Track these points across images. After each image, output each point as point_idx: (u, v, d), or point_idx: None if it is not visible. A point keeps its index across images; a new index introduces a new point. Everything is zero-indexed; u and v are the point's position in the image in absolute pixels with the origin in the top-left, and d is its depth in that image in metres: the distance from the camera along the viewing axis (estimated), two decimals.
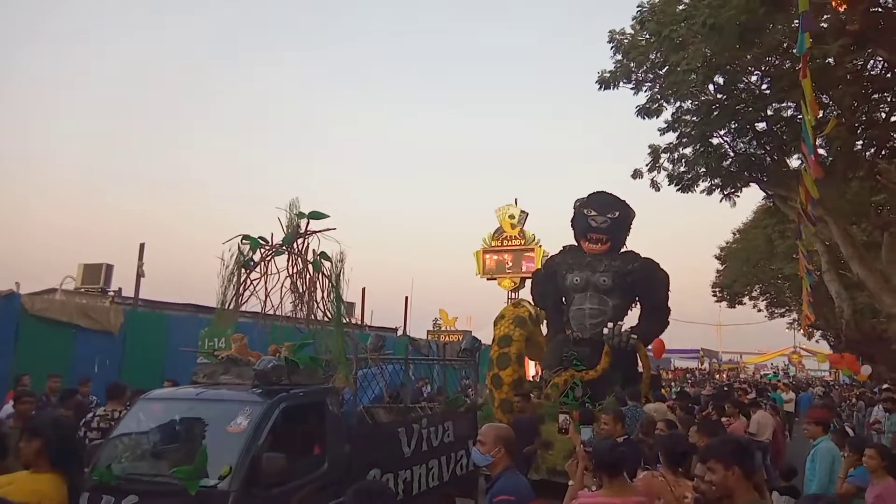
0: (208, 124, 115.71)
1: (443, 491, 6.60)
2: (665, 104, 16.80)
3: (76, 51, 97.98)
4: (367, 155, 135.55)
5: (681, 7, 14.64)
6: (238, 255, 5.75)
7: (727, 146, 17.70)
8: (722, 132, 17.25)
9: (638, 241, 14.92)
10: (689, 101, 16.60)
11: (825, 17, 13.00)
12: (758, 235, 29.66)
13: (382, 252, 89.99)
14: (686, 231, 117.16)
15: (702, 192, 18.70)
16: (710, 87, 16.26)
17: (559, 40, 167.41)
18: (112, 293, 16.24)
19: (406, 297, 24.81)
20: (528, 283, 16.22)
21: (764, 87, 16.09)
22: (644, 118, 16.99)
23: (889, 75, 14.62)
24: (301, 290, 5.82)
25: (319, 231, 5.74)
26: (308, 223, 5.76)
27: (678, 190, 18.41)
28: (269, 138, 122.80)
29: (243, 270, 5.84)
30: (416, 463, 6.06)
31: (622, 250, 13.67)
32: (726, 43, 13.34)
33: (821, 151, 13.59)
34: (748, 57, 14.82)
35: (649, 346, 13.19)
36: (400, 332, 23.10)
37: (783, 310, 37.29)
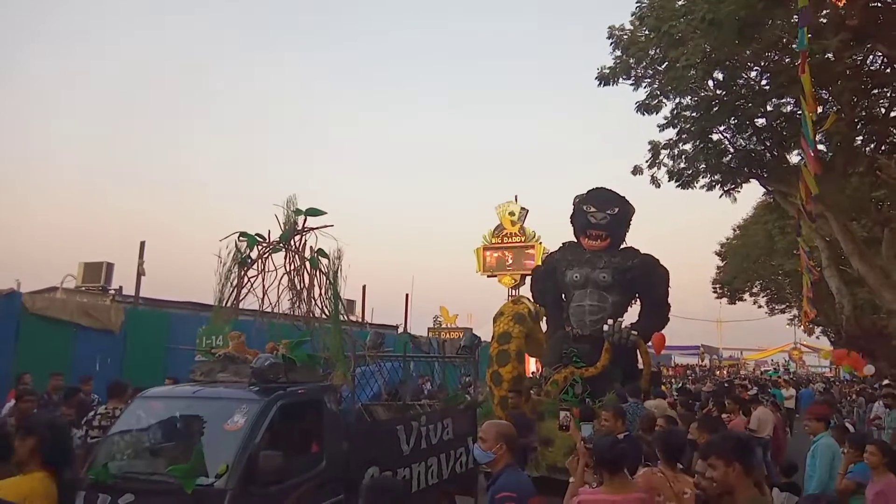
0: (208, 124, 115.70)
1: (442, 489, 6.57)
2: (664, 100, 16.81)
3: (76, 51, 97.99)
4: (367, 154, 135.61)
5: (680, 3, 14.64)
6: (235, 252, 5.72)
7: (727, 142, 17.70)
8: (722, 128, 17.24)
9: (638, 238, 14.95)
10: (689, 97, 16.60)
11: (824, 12, 12.99)
12: (758, 231, 29.66)
13: (383, 250, 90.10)
14: (686, 227, 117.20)
15: (702, 188, 18.71)
16: (710, 82, 16.25)
17: (559, 38, 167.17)
18: (113, 291, 16.25)
19: (406, 295, 24.83)
20: (529, 279, 16.21)
21: (763, 82, 16.08)
22: (644, 114, 16.99)
23: (889, 70, 14.60)
24: (298, 288, 5.78)
25: (317, 228, 5.71)
26: (305, 220, 5.73)
27: (678, 186, 18.42)
28: (269, 138, 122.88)
29: (241, 268, 5.81)
30: (416, 461, 6.02)
31: (622, 247, 13.64)
32: (725, 38, 13.33)
33: (820, 147, 13.59)
34: (747, 52, 14.80)
35: (649, 342, 13.17)
36: (401, 330, 23.11)
37: (784, 306, 37.32)
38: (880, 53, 14.21)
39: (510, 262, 29.22)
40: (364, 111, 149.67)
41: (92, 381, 8.99)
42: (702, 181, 18.49)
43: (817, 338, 38.38)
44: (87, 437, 5.99)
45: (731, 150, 17.75)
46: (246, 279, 5.89)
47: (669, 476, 4.02)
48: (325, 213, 5.70)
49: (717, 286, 37.21)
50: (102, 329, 11.72)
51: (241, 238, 5.74)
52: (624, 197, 13.81)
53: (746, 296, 36.74)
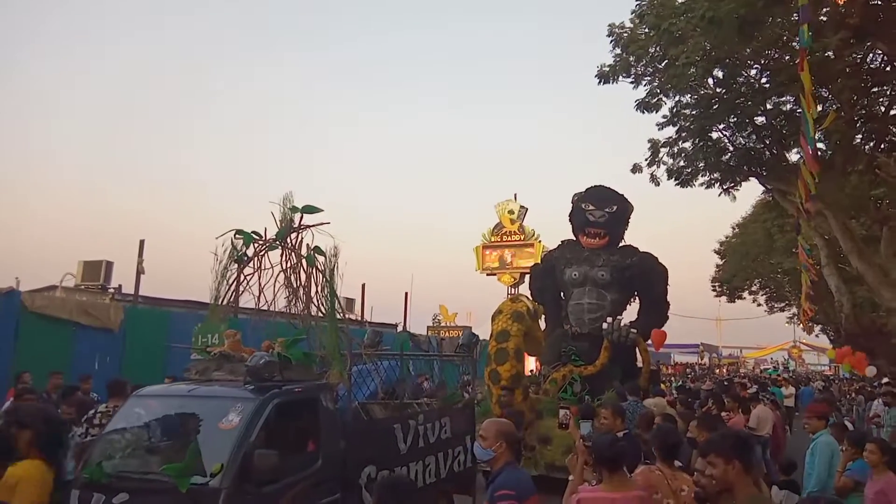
0: (208, 124, 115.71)
1: (440, 488, 6.54)
2: (664, 98, 16.80)
3: (77, 51, 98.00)
4: (367, 154, 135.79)
5: (680, 1, 14.60)
6: (231, 250, 5.68)
7: (726, 140, 17.69)
8: (721, 126, 17.24)
9: (637, 236, 14.94)
10: (689, 95, 16.59)
11: (824, 10, 12.97)
12: (757, 230, 29.67)
13: (382, 249, 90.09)
14: (685, 226, 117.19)
15: (701, 186, 18.71)
16: (710, 80, 16.24)
17: (558, 37, 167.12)
18: (112, 290, 16.24)
19: (406, 293, 24.83)
20: (528, 278, 16.21)
21: (763, 80, 16.06)
22: (643, 112, 16.98)
23: (888, 68, 14.60)
24: (295, 285, 5.75)
25: (313, 225, 5.67)
26: (301, 217, 5.69)
27: (677, 184, 18.42)
28: (270, 138, 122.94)
29: (237, 266, 5.77)
30: (413, 459, 5.98)
31: (620, 245, 13.64)
32: (725, 36, 13.31)
33: (820, 145, 13.58)
34: (747, 50, 14.79)
35: (648, 340, 13.17)
36: (400, 328, 23.11)
37: (783, 304, 37.33)
38: (880, 51, 14.21)
39: (509, 260, 29.22)
40: (364, 111, 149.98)
41: (91, 379, 8.99)
42: (701, 179, 18.49)
43: (816, 336, 38.45)
44: (87, 434, 5.98)
45: (731, 148, 17.74)
46: (242, 277, 5.85)
47: (667, 474, 4.02)
48: (322, 210, 5.66)
49: (717, 284, 37.22)
50: (102, 328, 11.72)
51: (237, 236, 5.69)
52: (622, 195, 13.80)
53: (746, 294, 36.76)
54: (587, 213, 13.31)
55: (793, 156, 17.31)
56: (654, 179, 18.58)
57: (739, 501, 2.81)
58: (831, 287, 20.32)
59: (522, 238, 28.97)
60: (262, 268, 5.85)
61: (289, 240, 5.76)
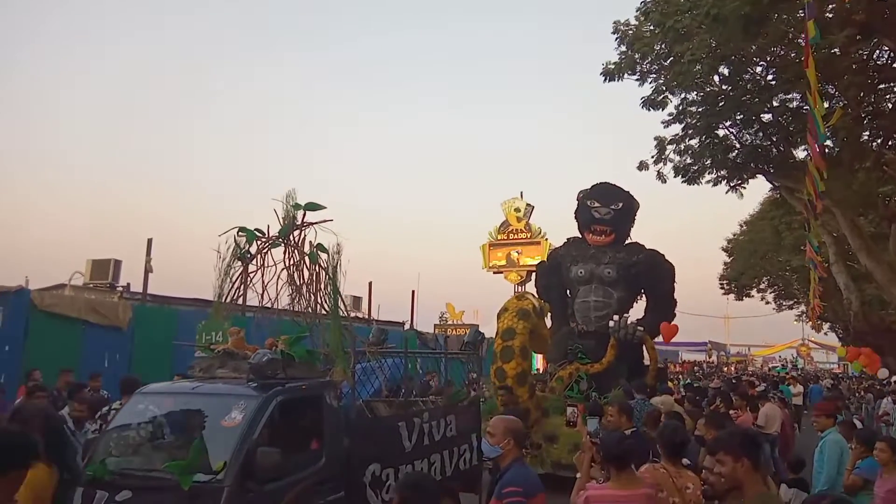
0: (212, 123, 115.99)
1: (446, 486, 6.52)
2: (670, 96, 16.73)
3: (84, 52, 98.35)
4: (371, 154, 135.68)
5: None
6: (234, 247, 5.66)
7: (733, 137, 17.64)
8: (728, 123, 17.18)
9: (644, 233, 14.91)
10: (695, 93, 16.55)
11: (830, 6, 12.92)
12: (765, 227, 29.55)
13: (389, 248, 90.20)
14: (693, 223, 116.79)
15: (708, 183, 18.65)
16: (716, 77, 16.19)
17: (560, 36, 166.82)
18: (120, 288, 16.34)
19: (413, 291, 24.87)
20: (534, 276, 16.19)
21: (770, 77, 16.00)
22: (649, 110, 16.93)
23: (895, 65, 14.51)
24: (298, 283, 5.71)
25: (316, 223, 5.64)
26: (304, 215, 5.65)
27: (684, 182, 18.36)
28: (274, 137, 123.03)
29: (240, 263, 5.75)
30: (418, 458, 5.91)
31: (627, 242, 13.60)
32: (731, 34, 13.26)
33: (827, 142, 13.52)
34: (753, 47, 14.74)
35: (656, 338, 13.14)
36: (407, 326, 23.14)
37: (791, 302, 37.18)
38: (887, 48, 14.14)
39: (516, 258, 29.19)
40: (365, 111, 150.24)
41: (100, 377, 9.03)
42: (708, 177, 18.44)
43: (825, 334, 38.30)
44: (100, 431, 6.02)
45: (738, 145, 17.69)
46: (245, 274, 5.84)
47: (672, 472, 4.02)
48: (325, 207, 5.62)
49: (725, 282, 37.09)
50: (110, 326, 11.78)
51: (240, 233, 5.67)
52: (628, 192, 13.75)
53: (754, 292, 36.62)
54: (593, 211, 13.27)
55: (800, 153, 17.26)
56: (661, 177, 18.55)
57: (748, 499, 2.81)
58: (840, 284, 20.25)
59: (529, 236, 28.91)
60: (266, 265, 5.82)
61: (292, 237, 5.73)
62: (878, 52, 14.63)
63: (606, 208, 13.20)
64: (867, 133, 16.09)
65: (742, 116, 16.77)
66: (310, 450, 4.99)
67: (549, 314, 12.49)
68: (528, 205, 29.19)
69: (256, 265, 5.84)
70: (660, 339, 13.49)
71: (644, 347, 12.39)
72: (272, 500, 4.26)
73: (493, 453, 3.78)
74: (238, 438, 4.24)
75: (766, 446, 8.95)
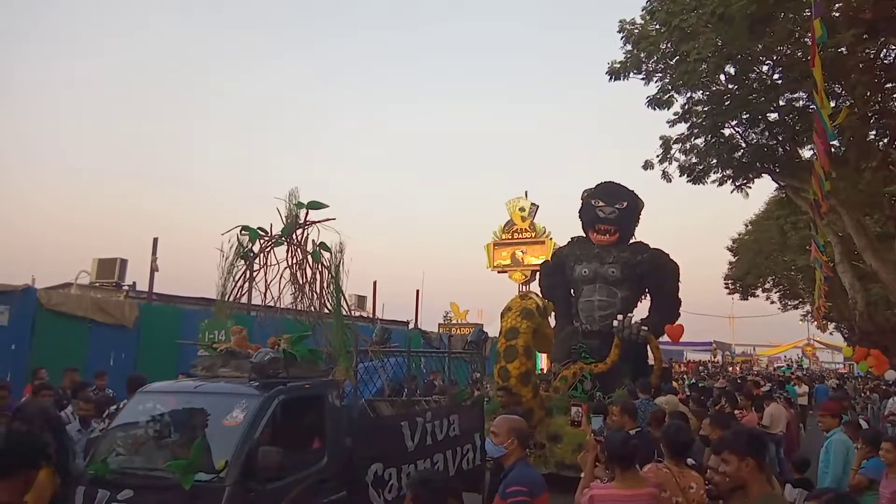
0: (217, 123, 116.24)
1: (449, 485, 6.51)
2: (676, 95, 16.70)
3: (87, 53, 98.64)
4: (378, 153, 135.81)
5: None
6: (238, 246, 5.66)
7: (739, 137, 17.59)
8: (733, 123, 17.13)
9: (649, 232, 14.86)
10: (701, 92, 16.51)
11: (837, 5, 12.88)
12: (770, 227, 29.47)
13: (394, 247, 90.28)
14: (698, 222, 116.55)
15: (713, 183, 18.60)
16: (722, 77, 16.15)
17: (564, 35, 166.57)
18: (126, 287, 16.39)
19: (417, 291, 24.88)
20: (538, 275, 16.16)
21: (776, 76, 15.95)
22: (655, 109, 16.89)
23: None
24: (301, 282, 5.71)
25: (319, 221, 5.65)
26: (307, 213, 5.66)
27: (689, 181, 18.32)
28: (280, 136, 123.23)
29: (243, 262, 5.75)
30: (420, 457, 5.86)
31: (631, 241, 13.57)
32: (736, 33, 13.23)
33: (833, 142, 13.47)
34: (759, 46, 14.68)
35: (660, 337, 13.10)
36: (411, 326, 23.15)
37: (796, 302, 37.08)
38: (894, 47, 14.08)
39: (520, 257, 29.15)
40: (367, 111, 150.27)
41: (106, 375, 9.07)
42: (713, 176, 18.40)
43: (831, 334, 38.16)
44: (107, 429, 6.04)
45: (743, 144, 17.64)
46: (248, 273, 5.83)
47: (675, 471, 4.02)
48: (327, 206, 5.62)
49: (730, 282, 36.99)
50: (116, 324, 11.82)
51: (242, 232, 5.67)
52: (633, 191, 13.71)
53: (759, 291, 36.51)
54: (597, 210, 13.24)
55: (806, 152, 17.21)
56: (666, 176, 18.51)
57: (753, 499, 2.81)
58: (845, 284, 20.18)
59: (533, 235, 28.86)
60: (268, 264, 5.83)
61: (294, 236, 5.73)
62: (885, 51, 14.57)
63: (611, 207, 13.17)
64: (873, 132, 16.03)
65: (748, 115, 16.72)
66: (312, 449, 4.98)
67: (553, 313, 12.48)
68: (532, 204, 29.14)
69: (259, 264, 5.84)
70: (665, 338, 13.46)
71: (648, 347, 12.37)
72: (274, 499, 4.25)
73: (497, 453, 3.79)
74: (239, 438, 4.24)
75: (772, 446, 8.94)
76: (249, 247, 5.73)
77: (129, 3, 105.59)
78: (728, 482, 2.86)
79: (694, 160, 18.03)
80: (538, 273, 15.94)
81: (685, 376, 30.34)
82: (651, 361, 12.45)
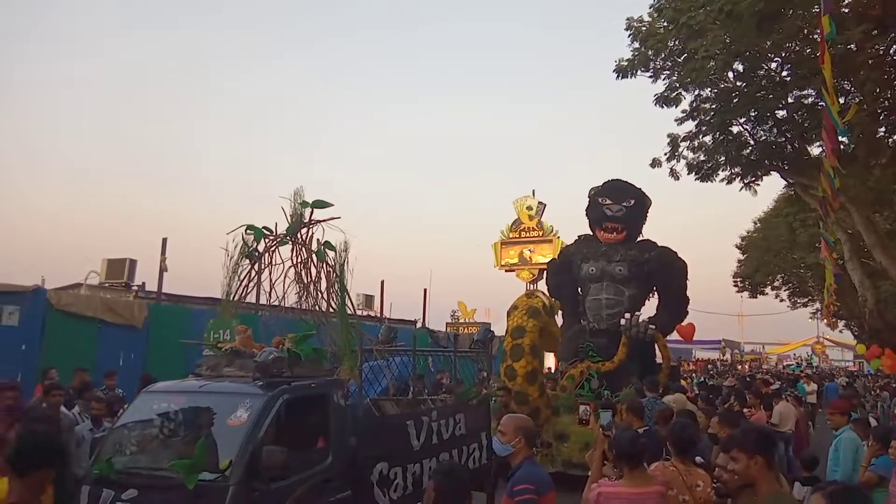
0: (226, 123, 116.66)
1: None
2: (684, 92, 16.61)
3: (91, 54, 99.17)
4: (380, 153, 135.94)
5: None
6: (243, 245, 5.67)
7: (747, 134, 17.49)
8: (742, 120, 17.03)
9: (657, 230, 14.81)
10: (709, 89, 16.42)
11: (846, 1, 12.80)
12: (779, 224, 29.29)
13: (402, 247, 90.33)
14: (706, 220, 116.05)
15: (722, 181, 18.52)
16: (730, 74, 16.06)
17: (575, 32, 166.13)
18: (136, 288, 16.47)
19: (425, 290, 24.88)
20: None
21: (784, 73, 15.86)
22: (663, 107, 16.80)
23: None
24: (305, 281, 5.71)
25: (323, 220, 5.65)
26: (312, 212, 5.66)
27: (697, 179, 18.24)
28: (286, 136, 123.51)
29: (248, 261, 5.76)
30: (426, 456, 5.84)
31: (639, 239, 13.53)
32: (745, 30, 13.16)
33: (842, 139, 13.39)
34: (768, 43, 14.61)
35: (668, 336, 13.07)
36: (419, 325, 23.17)
37: (806, 299, 36.84)
38: None
39: (528, 256, 29.12)
40: (370, 111, 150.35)
41: (116, 375, 9.14)
42: (721, 174, 18.30)
43: (840, 332, 37.92)
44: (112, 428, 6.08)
45: (752, 142, 17.54)
46: (253, 273, 5.84)
47: (682, 470, 4.02)
48: (332, 204, 5.62)
49: (738, 280, 36.82)
50: (126, 325, 11.88)
51: (247, 231, 5.68)
52: (640, 188, 13.68)
53: (768, 289, 36.31)
54: (604, 208, 13.21)
55: (814, 149, 17.10)
56: (674, 174, 18.44)
57: (761, 497, 2.80)
58: (855, 282, 20.04)
59: (541, 234, 28.81)
60: (273, 263, 5.83)
61: (299, 235, 5.73)
62: (894, 47, 14.45)
63: (618, 205, 13.14)
64: (883, 129, 15.90)
65: (756, 113, 16.62)
66: (316, 448, 4.98)
67: (560, 312, 12.47)
68: (539, 203, 29.09)
69: (264, 263, 5.85)
70: (673, 337, 13.42)
71: (656, 346, 12.34)
72: (278, 498, 4.25)
73: (504, 452, 3.80)
74: (243, 437, 4.24)
75: (781, 445, 8.91)
76: (254, 246, 5.74)
77: (129, 4, 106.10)
78: (737, 480, 2.86)
79: (702, 158, 17.94)
80: (545, 271, 15.92)
81: (694, 374, 30.26)
82: (659, 360, 12.42)
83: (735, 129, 17.27)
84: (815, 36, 12.25)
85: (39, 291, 10.99)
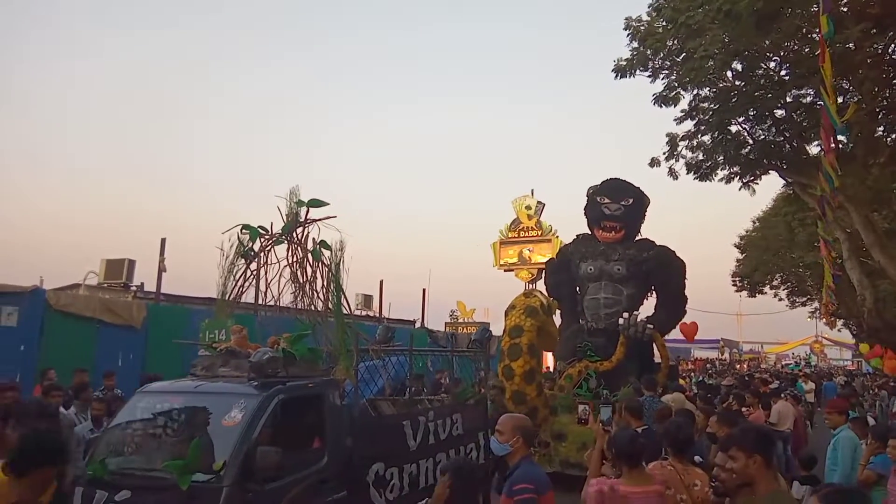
0: (225, 124, 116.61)
1: None
2: (682, 92, 16.61)
3: (91, 54, 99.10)
4: (380, 153, 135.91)
5: None
6: (238, 245, 5.65)
7: (746, 133, 17.50)
8: (740, 119, 17.04)
9: (655, 230, 14.80)
10: (707, 89, 16.43)
11: (845, 0, 12.80)
12: (778, 224, 29.28)
13: (401, 246, 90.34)
14: (705, 220, 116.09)
15: (720, 180, 18.53)
16: (729, 73, 16.06)
17: (574, 32, 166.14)
18: (134, 288, 16.45)
19: (424, 290, 24.87)
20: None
21: (783, 73, 15.86)
22: (661, 106, 16.81)
23: None
24: (301, 280, 5.69)
25: (319, 219, 5.63)
26: (308, 211, 5.64)
27: (696, 178, 18.25)
28: (285, 136, 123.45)
29: (243, 261, 5.74)
30: (423, 457, 5.82)
31: (637, 238, 13.52)
32: (744, 29, 13.17)
33: (841, 138, 13.39)
34: (767, 43, 14.61)
35: (666, 335, 13.06)
36: (418, 325, 23.15)
37: (804, 299, 36.86)
38: None
39: (528, 255, 29.10)
40: (370, 111, 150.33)
41: (114, 375, 9.13)
42: (720, 173, 18.32)
43: (839, 331, 37.91)
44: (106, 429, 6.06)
45: (751, 141, 17.55)
46: (249, 272, 5.81)
47: (679, 469, 4.02)
48: (328, 203, 5.60)
49: (737, 279, 36.83)
50: (125, 325, 11.86)
51: (243, 230, 5.66)
52: (639, 187, 13.66)
53: (767, 289, 36.33)
54: (602, 207, 13.19)
55: (813, 149, 17.11)
56: (673, 173, 18.44)
57: (759, 496, 2.80)
58: (853, 281, 20.05)
59: (540, 233, 28.80)
60: (269, 263, 5.81)
61: (295, 234, 5.71)
62: (893, 46, 14.46)
63: (616, 204, 13.12)
64: (881, 128, 15.91)
65: (755, 112, 16.63)
66: (311, 449, 4.96)
67: (558, 311, 12.45)
68: (538, 202, 29.08)
69: (260, 263, 5.83)
70: (672, 336, 13.41)
71: (654, 345, 12.33)
72: (272, 499, 4.23)
73: (502, 451, 3.80)
74: (237, 438, 4.21)
75: (779, 444, 8.92)
76: (250, 245, 5.72)
77: (129, 4, 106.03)
78: (735, 479, 2.85)
79: (701, 157, 17.95)
80: (544, 271, 15.90)
81: (692, 374, 30.28)
82: (657, 359, 12.42)
83: (734, 129, 17.29)
84: (814, 35, 12.27)
85: (38, 292, 10.97)
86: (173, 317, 13.33)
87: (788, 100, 16.14)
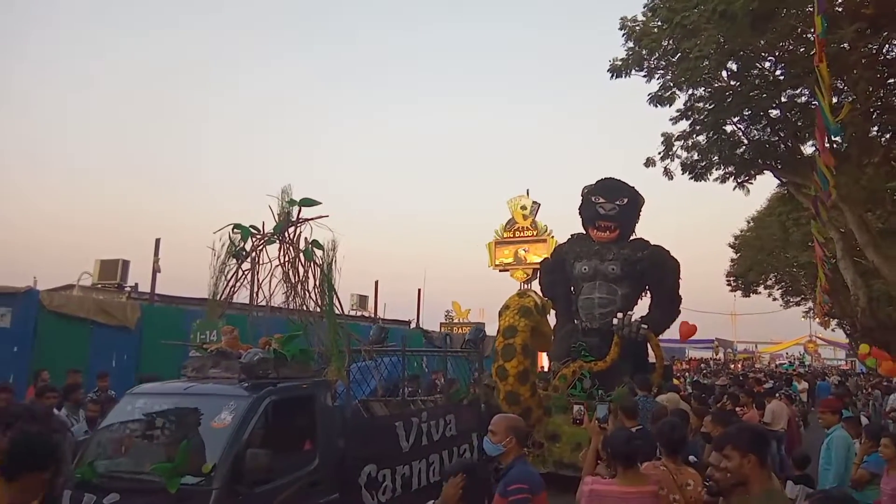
0: (219, 124, 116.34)
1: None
2: (678, 92, 16.66)
3: (89, 54, 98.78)
4: (379, 153, 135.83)
5: None
6: (229, 244, 5.61)
7: (741, 133, 17.57)
8: (735, 119, 17.10)
9: (650, 229, 14.79)
10: (703, 89, 16.48)
11: (839, 1, 12.84)
12: (772, 223, 29.36)
13: (396, 246, 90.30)
14: (700, 219, 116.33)
15: (715, 180, 18.58)
16: (724, 73, 16.11)
17: (569, 32, 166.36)
18: (128, 289, 16.38)
19: (419, 290, 24.84)
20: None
21: (778, 73, 15.91)
22: (657, 106, 16.85)
23: None
24: (293, 280, 5.65)
25: (311, 219, 5.60)
26: (300, 211, 5.61)
27: (691, 178, 18.30)
28: (283, 137, 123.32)
29: (235, 261, 5.70)
30: (416, 458, 5.79)
31: (632, 238, 13.50)
32: (739, 29, 13.20)
33: (835, 138, 13.43)
34: (761, 43, 14.66)
35: (660, 335, 13.04)
36: (413, 325, 23.12)
37: (798, 298, 36.97)
38: None
39: (523, 256, 29.09)
40: (370, 111, 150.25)
41: (108, 377, 9.08)
42: (715, 173, 18.37)
43: (833, 330, 38.05)
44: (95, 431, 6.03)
45: (745, 141, 17.61)
46: (241, 272, 5.77)
47: (672, 469, 4.01)
48: (320, 203, 5.58)
49: (732, 279, 36.91)
50: (119, 326, 11.78)
51: (234, 230, 5.63)
52: (633, 187, 13.62)
53: (761, 288, 36.42)
54: (597, 206, 13.14)
55: (808, 149, 17.18)
56: (668, 173, 18.48)
57: (754, 495, 2.79)
58: (847, 280, 20.12)
59: (535, 234, 28.79)
60: (261, 262, 5.77)
61: (287, 234, 5.68)
62: (887, 46, 14.51)
63: (611, 204, 13.07)
64: (876, 128, 15.98)
65: (750, 112, 16.68)
66: (303, 451, 4.91)
67: (552, 311, 12.42)
68: (534, 202, 29.07)
69: (251, 263, 5.79)
70: (666, 336, 13.39)
71: (649, 345, 12.31)
72: (262, 502, 4.19)
73: (496, 452, 3.79)
74: (227, 440, 4.17)
75: (773, 443, 8.93)
76: (241, 245, 5.68)
77: (129, 4, 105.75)
78: (729, 478, 2.84)
79: (696, 157, 18.00)
80: (538, 271, 15.87)
81: (687, 374, 30.32)
82: (652, 359, 12.40)
83: (728, 129, 17.34)
84: (809, 35, 12.30)
85: (31, 293, 10.90)
86: (167, 317, 13.26)
87: (783, 100, 16.20)
